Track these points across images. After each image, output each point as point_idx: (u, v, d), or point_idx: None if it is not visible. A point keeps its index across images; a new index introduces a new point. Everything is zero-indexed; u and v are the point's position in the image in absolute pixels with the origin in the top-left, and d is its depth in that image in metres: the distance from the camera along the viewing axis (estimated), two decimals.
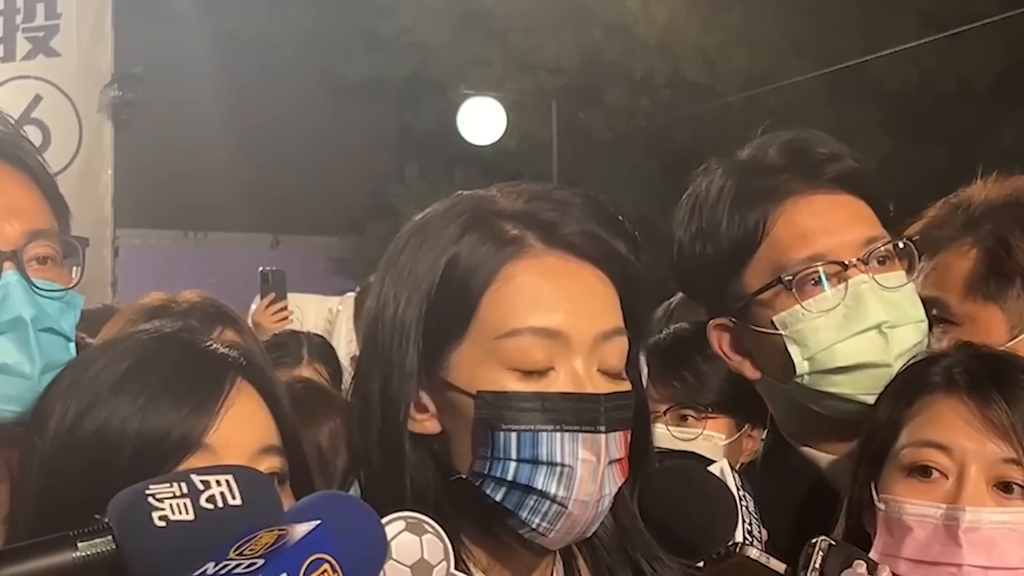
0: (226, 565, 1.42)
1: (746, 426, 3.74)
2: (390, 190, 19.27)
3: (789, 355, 2.40)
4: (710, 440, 3.65)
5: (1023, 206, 2.68)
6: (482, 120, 18.78)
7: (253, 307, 6.93)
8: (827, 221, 2.41)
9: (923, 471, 2.19)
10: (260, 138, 17.98)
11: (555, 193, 1.92)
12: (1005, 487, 2.16)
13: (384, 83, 19.58)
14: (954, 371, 2.25)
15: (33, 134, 7.97)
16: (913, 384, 2.28)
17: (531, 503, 1.80)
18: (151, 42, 13.74)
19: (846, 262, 2.37)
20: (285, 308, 6.97)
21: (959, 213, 2.73)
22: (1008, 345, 2.54)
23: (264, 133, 18.01)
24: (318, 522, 1.45)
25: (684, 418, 3.69)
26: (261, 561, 1.40)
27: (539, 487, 1.79)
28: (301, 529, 1.44)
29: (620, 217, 1.93)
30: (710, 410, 3.68)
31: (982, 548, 2.12)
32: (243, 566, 1.40)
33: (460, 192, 1.97)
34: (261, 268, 7.09)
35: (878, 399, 2.33)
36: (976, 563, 2.11)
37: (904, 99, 18.69)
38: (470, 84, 18.85)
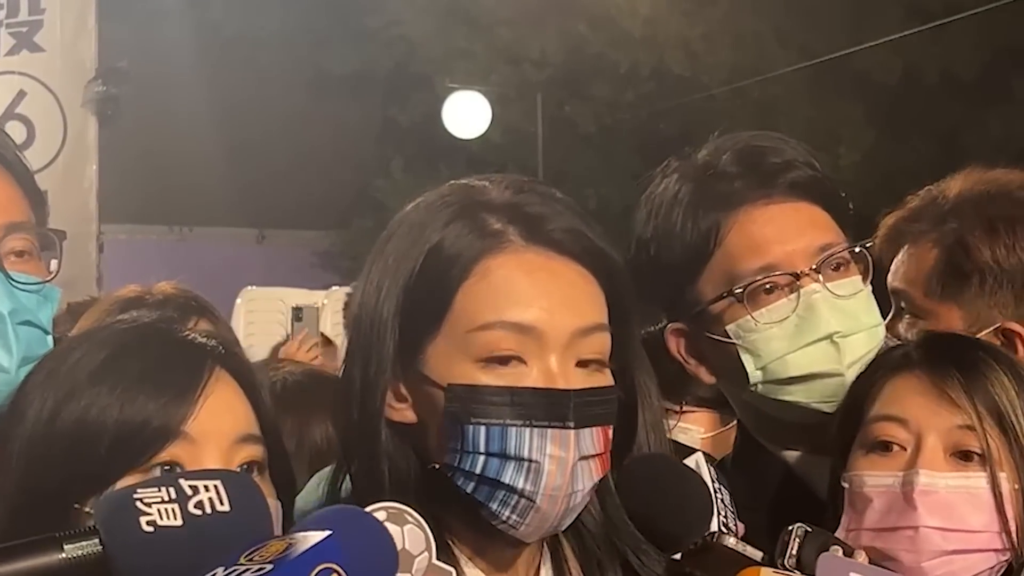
0: (235, 570, 1.43)
1: (735, 421, 3.75)
2: (376, 184, 19.27)
3: (743, 364, 2.40)
4: (687, 433, 3.66)
5: (993, 202, 2.71)
6: (467, 114, 18.81)
7: (284, 341, 7.35)
8: (780, 230, 2.39)
9: (883, 446, 2.22)
10: (245, 132, 17.98)
11: (543, 188, 1.93)
12: (964, 455, 2.19)
13: (369, 77, 19.58)
14: (910, 352, 2.30)
15: (17, 130, 7.96)
16: (875, 371, 2.31)
17: (500, 496, 1.80)
18: (135, 37, 13.71)
19: (799, 272, 2.36)
20: (317, 345, 7.24)
21: (932, 207, 2.76)
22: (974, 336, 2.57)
23: (249, 127, 18.00)
24: (329, 532, 1.47)
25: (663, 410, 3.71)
26: (270, 567, 1.42)
27: (507, 481, 1.79)
28: (311, 538, 1.46)
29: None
30: (688, 403, 3.69)
31: (938, 511, 2.15)
32: (252, 571, 1.42)
33: (452, 181, 1.96)
34: (295, 304, 7.68)
35: (847, 393, 2.35)
36: (933, 525, 2.14)
37: (889, 91, 18.73)
38: (455, 78, 18.87)
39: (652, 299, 2.59)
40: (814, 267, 2.37)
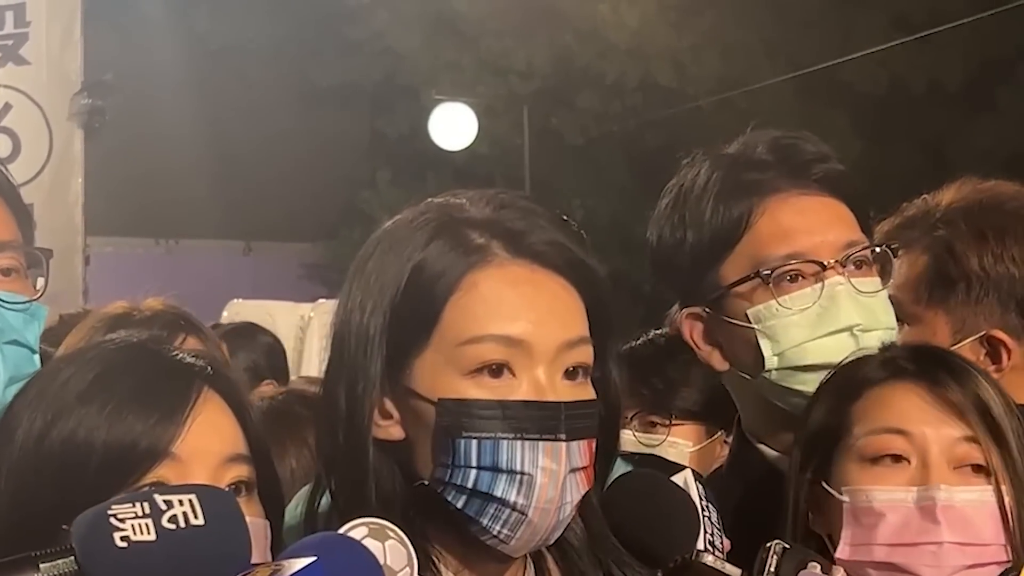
0: None
1: (719, 432, 3.74)
2: (362, 196, 19.29)
3: (759, 349, 2.42)
4: (676, 447, 3.65)
5: (984, 212, 2.73)
6: (454, 125, 18.85)
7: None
8: (809, 221, 2.44)
9: (888, 459, 2.22)
10: (231, 145, 17.98)
11: (523, 202, 1.94)
12: (970, 468, 2.19)
13: (356, 89, 19.60)
14: (899, 361, 2.30)
15: (3, 143, 7.94)
16: (855, 379, 2.31)
17: (492, 510, 1.81)
18: (121, 49, 13.71)
19: (824, 262, 2.40)
20: None
21: (925, 215, 2.79)
22: (951, 349, 2.57)
23: (236, 140, 18.01)
24: (314, 558, 1.49)
25: (652, 424, 3.69)
26: None
27: (499, 495, 1.80)
28: (297, 564, 1.48)
29: (580, 231, 1.95)
30: (676, 417, 3.68)
31: (958, 525, 2.15)
32: None
33: (430, 199, 1.96)
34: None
35: (812, 402, 2.35)
36: (955, 540, 2.15)
37: (875, 101, 18.79)
38: (442, 90, 18.89)
39: (671, 285, 2.62)
40: (839, 260, 2.41)
